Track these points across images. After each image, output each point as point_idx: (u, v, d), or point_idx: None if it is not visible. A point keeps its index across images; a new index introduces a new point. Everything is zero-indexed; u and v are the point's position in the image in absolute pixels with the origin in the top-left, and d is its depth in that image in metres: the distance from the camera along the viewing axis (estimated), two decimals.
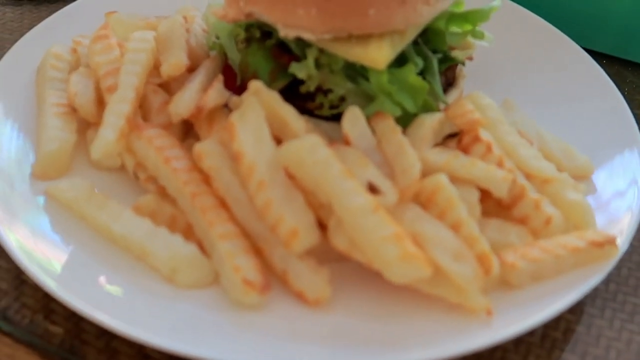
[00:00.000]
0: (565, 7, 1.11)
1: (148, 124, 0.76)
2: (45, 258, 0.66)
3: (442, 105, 0.82)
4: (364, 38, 0.75)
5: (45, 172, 0.74)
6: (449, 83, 0.88)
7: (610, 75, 1.10)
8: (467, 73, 0.92)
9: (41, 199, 0.73)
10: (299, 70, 0.76)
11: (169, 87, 0.83)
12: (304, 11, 0.73)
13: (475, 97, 0.80)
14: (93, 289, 0.64)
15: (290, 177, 0.67)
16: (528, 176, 0.73)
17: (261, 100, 0.73)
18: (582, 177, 0.79)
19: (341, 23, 0.73)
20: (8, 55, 0.92)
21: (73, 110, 0.79)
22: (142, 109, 0.80)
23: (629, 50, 1.12)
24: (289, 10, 0.73)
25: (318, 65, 0.77)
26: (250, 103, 0.71)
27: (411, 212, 0.66)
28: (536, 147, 0.81)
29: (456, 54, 0.87)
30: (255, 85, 0.74)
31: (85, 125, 0.80)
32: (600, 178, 0.79)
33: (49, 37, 0.96)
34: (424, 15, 0.75)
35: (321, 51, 0.77)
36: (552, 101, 0.92)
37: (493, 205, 0.72)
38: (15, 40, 1.01)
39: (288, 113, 0.73)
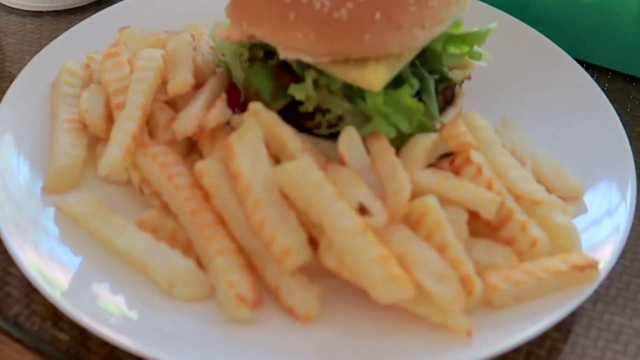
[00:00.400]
0: (570, 22, 1.12)
1: (154, 141, 0.80)
2: (52, 269, 0.70)
3: (438, 125, 0.84)
4: (361, 61, 0.77)
5: (55, 186, 0.78)
6: (448, 102, 0.90)
7: (614, 91, 1.12)
8: (467, 88, 0.94)
9: (51, 212, 0.77)
10: (297, 91, 0.79)
11: (175, 104, 0.87)
12: (303, 35, 0.76)
13: (470, 118, 0.83)
14: (96, 301, 0.68)
15: (285, 197, 0.70)
16: (518, 198, 0.75)
17: (260, 121, 0.76)
18: (574, 198, 0.81)
19: (338, 47, 0.76)
20: (26, 69, 0.97)
21: (84, 126, 0.84)
22: (149, 125, 0.84)
23: (633, 65, 1.12)
24: (288, 33, 0.76)
25: (316, 86, 0.80)
26: (249, 124, 0.74)
27: (399, 233, 0.68)
28: (529, 167, 0.83)
29: (454, 73, 0.89)
30: (254, 106, 0.77)
31: (96, 140, 0.84)
32: (591, 199, 0.81)
33: (66, 50, 1.00)
34: (420, 40, 0.77)
35: (320, 72, 0.80)
36: (549, 118, 0.94)
37: (484, 225, 0.75)
38: (35, 52, 1.05)
39: (286, 133, 0.76)
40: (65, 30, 1.13)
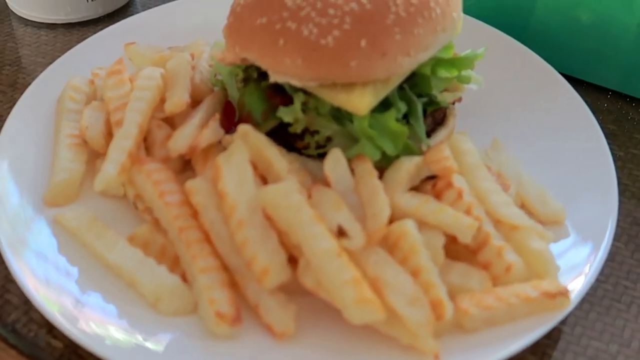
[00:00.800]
0: (570, 42, 1.13)
1: (149, 158, 0.83)
2: (46, 281, 0.74)
3: (425, 147, 0.86)
4: (348, 85, 0.80)
5: (54, 200, 0.82)
6: (438, 123, 0.92)
7: (613, 112, 1.13)
8: (461, 106, 0.96)
9: (50, 225, 0.81)
10: (286, 114, 0.82)
11: (173, 121, 0.90)
12: (291, 60, 0.78)
13: (456, 141, 0.85)
14: (85, 313, 0.72)
15: (268, 217, 0.73)
16: (497, 222, 0.77)
17: (248, 143, 0.79)
18: (555, 222, 0.82)
19: (325, 72, 0.78)
20: (35, 83, 1.01)
21: (84, 141, 0.88)
22: (147, 142, 0.88)
23: (632, 86, 1.13)
24: (278, 58, 0.79)
25: (305, 108, 0.83)
26: (236, 146, 0.77)
27: (376, 255, 0.71)
28: (514, 190, 0.85)
29: (445, 96, 0.91)
30: (243, 128, 0.80)
31: (96, 155, 0.89)
32: (572, 223, 0.82)
33: (75, 65, 1.05)
34: (405, 66, 0.80)
35: (309, 95, 0.83)
36: (538, 137, 0.96)
37: (464, 248, 0.77)
38: (47, 64, 1.10)
39: (273, 155, 0.79)
40: (78, 42, 1.18)
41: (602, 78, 1.15)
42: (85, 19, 1.28)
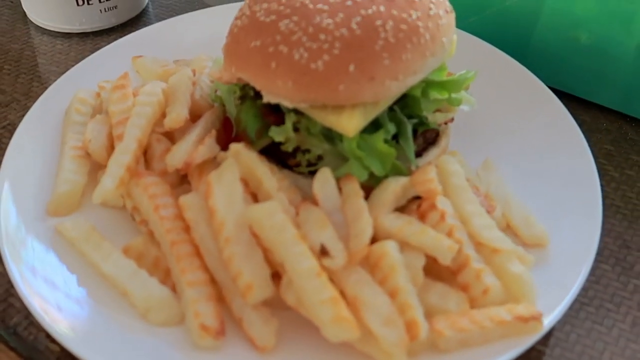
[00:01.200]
0: (570, 61, 1.14)
1: (147, 172, 0.87)
2: (43, 287, 0.78)
3: (414, 167, 0.88)
4: (338, 107, 0.82)
5: (57, 210, 0.87)
6: (430, 142, 0.94)
7: (612, 131, 1.14)
8: (456, 124, 0.98)
9: (51, 234, 0.85)
10: (277, 134, 0.85)
11: (173, 136, 0.94)
12: (282, 83, 0.81)
13: (443, 163, 0.87)
14: (78, 320, 0.76)
15: (254, 235, 0.76)
16: (479, 245, 0.79)
17: (240, 161, 0.82)
18: (538, 245, 0.84)
19: (314, 95, 0.81)
20: (46, 94, 1.05)
21: (87, 153, 0.92)
22: (147, 155, 0.92)
23: (632, 106, 1.13)
24: (270, 80, 0.82)
25: (297, 128, 0.86)
26: (228, 164, 0.80)
27: (356, 275, 0.73)
28: (500, 212, 0.87)
29: (437, 116, 0.93)
30: (235, 147, 0.83)
31: (99, 166, 0.92)
32: (555, 246, 0.84)
33: (85, 77, 1.09)
34: (393, 90, 0.82)
35: (301, 114, 0.85)
36: (530, 157, 0.97)
37: (446, 268, 0.79)
38: (61, 73, 1.15)
39: (263, 173, 0.82)
40: (92, 52, 1.22)
41: (602, 97, 1.16)
42: (99, 29, 1.32)
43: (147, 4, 1.43)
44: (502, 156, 0.98)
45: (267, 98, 0.84)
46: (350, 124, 0.81)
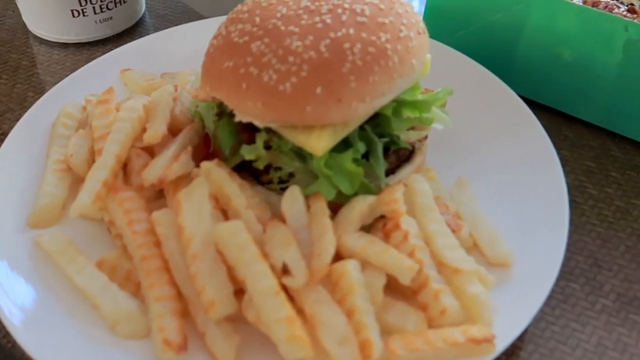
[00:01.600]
0: (554, 77, 1.14)
1: (123, 187, 0.90)
2: (18, 297, 0.81)
3: (384, 185, 0.90)
4: (308, 126, 0.84)
5: (37, 223, 0.90)
6: (404, 160, 0.96)
7: (595, 147, 1.14)
8: (433, 139, 0.99)
9: (30, 246, 0.88)
10: (248, 152, 0.87)
11: (153, 150, 0.96)
12: (252, 103, 0.83)
13: (411, 182, 0.88)
14: (48, 331, 0.79)
15: (219, 253, 0.79)
16: (441, 265, 0.81)
17: (210, 178, 0.85)
18: (502, 265, 0.85)
19: (283, 116, 0.83)
20: (36, 105, 1.08)
21: (70, 167, 0.95)
22: (127, 169, 0.94)
23: (614, 123, 1.13)
24: (241, 101, 0.84)
25: (269, 146, 0.88)
26: (197, 183, 0.83)
27: (316, 294, 0.75)
28: (467, 231, 0.88)
29: (410, 134, 0.95)
30: (206, 165, 0.86)
31: (81, 180, 0.95)
32: (519, 267, 0.85)
33: (74, 89, 1.11)
34: (360, 111, 0.83)
35: (273, 132, 0.87)
36: (503, 174, 0.98)
37: (407, 288, 0.80)
38: (55, 83, 1.18)
39: (232, 191, 0.84)
40: (87, 62, 1.25)
41: (586, 113, 1.16)
42: (95, 39, 1.36)
43: (144, 14, 1.46)
44: (477, 173, 0.99)
45: (240, 117, 0.86)
46: (318, 143, 0.83)
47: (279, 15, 0.87)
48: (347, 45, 0.83)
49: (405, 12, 0.90)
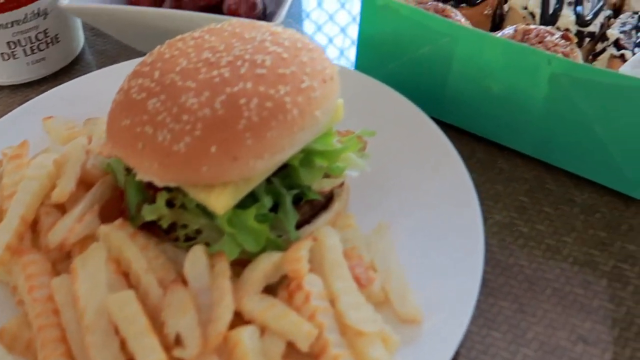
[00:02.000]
0: (484, 110, 1.12)
1: (28, 250, 0.87)
2: None
3: (294, 239, 0.88)
4: (208, 184, 0.82)
5: None
6: (320, 208, 0.93)
7: (529, 180, 1.11)
8: (358, 179, 0.97)
9: None
10: (149, 213, 0.85)
11: (64, 207, 0.94)
12: (149, 164, 0.81)
13: (322, 236, 0.86)
14: None
15: (113, 324, 0.76)
16: (344, 326, 0.78)
17: (109, 243, 0.82)
18: (412, 321, 0.82)
19: (179, 177, 0.81)
20: None
21: None
22: (37, 228, 0.92)
23: (545, 154, 1.11)
24: (138, 160, 0.82)
25: (173, 203, 0.86)
26: (94, 249, 0.81)
27: None
28: (379, 284, 0.86)
29: (324, 182, 0.92)
30: (104, 229, 0.84)
31: None
32: (429, 321, 0.82)
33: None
34: (259, 168, 0.81)
35: (178, 190, 0.85)
36: (424, 216, 0.95)
37: (307, 353, 0.78)
38: None
39: (132, 255, 0.82)
40: (21, 103, 1.23)
41: (520, 144, 1.13)
42: (27, 81, 1.33)
43: (83, 49, 1.44)
44: (398, 214, 0.96)
45: (140, 176, 0.84)
46: (219, 202, 0.81)
47: (178, 69, 0.85)
48: (243, 100, 0.80)
49: (310, 60, 0.87)
